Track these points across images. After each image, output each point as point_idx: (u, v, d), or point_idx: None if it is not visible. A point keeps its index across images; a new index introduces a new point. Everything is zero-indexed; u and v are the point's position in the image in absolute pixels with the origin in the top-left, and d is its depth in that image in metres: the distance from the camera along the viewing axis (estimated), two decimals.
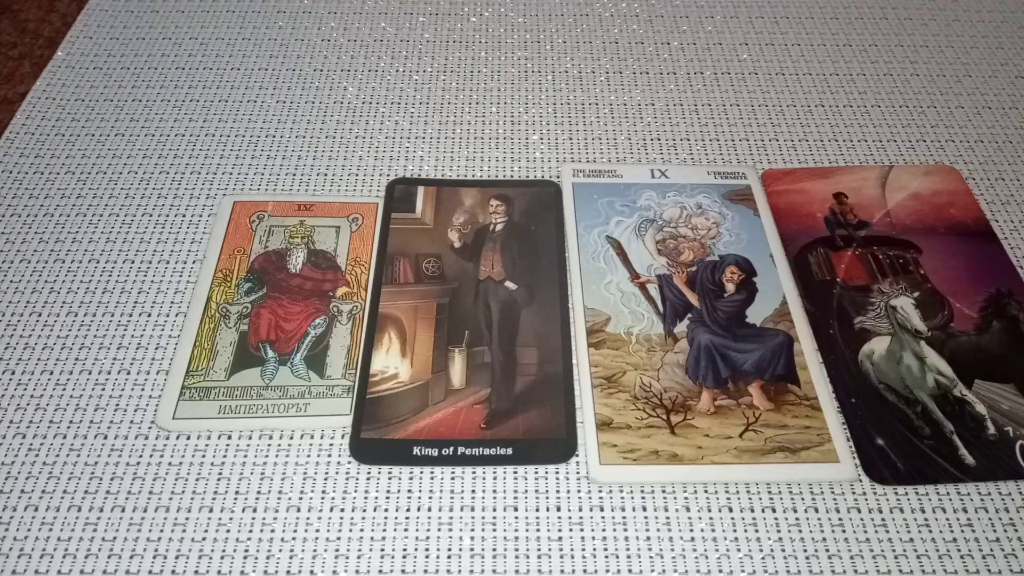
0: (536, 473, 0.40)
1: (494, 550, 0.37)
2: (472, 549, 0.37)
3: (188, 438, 0.41)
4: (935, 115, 0.58)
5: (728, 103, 0.59)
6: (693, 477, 0.39)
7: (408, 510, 0.39)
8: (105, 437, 0.41)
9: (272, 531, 0.38)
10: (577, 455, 0.40)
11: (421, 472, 0.40)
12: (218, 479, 0.39)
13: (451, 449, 0.40)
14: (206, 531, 0.38)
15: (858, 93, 0.60)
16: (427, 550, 0.37)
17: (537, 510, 0.39)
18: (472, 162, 0.54)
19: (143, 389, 0.42)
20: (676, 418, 0.41)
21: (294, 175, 0.53)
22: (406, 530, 0.38)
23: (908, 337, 0.45)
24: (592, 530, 0.38)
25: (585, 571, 0.37)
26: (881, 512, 0.39)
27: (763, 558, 0.37)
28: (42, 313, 0.45)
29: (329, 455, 0.40)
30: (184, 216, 0.51)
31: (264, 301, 0.46)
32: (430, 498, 0.39)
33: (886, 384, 0.43)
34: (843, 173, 0.54)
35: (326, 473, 0.40)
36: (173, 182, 0.52)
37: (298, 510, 0.38)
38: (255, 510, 0.38)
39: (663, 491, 0.39)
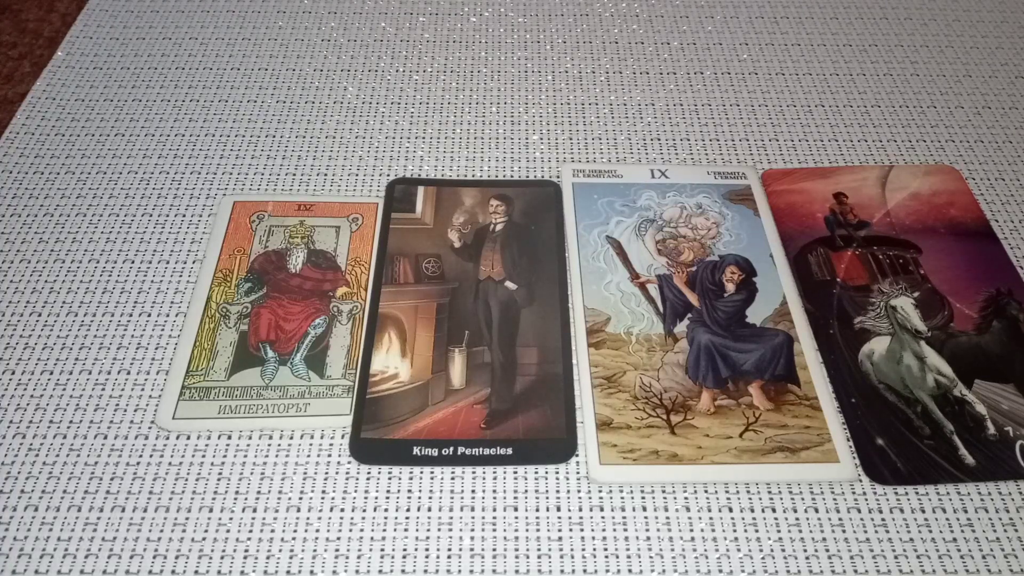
0: (536, 473, 0.40)
1: (494, 550, 0.37)
2: (472, 549, 0.37)
3: (188, 438, 0.41)
4: (935, 115, 0.58)
5: (728, 103, 0.59)
6: (693, 477, 0.39)
7: (408, 510, 0.39)
8: (105, 437, 0.41)
9: (272, 531, 0.38)
10: (577, 455, 0.40)
11: (421, 472, 0.40)
12: (218, 479, 0.39)
13: (451, 449, 0.40)
14: (206, 531, 0.38)
15: (858, 93, 0.60)
16: (427, 550, 0.37)
17: (537, 510, 0.39)
18: (472, 162, 0.54)
19: (143, 389, 0.42)
20: (676, 418, 0.41)
21: (294, 175, 0.53)
22: (406, 530, 0.38)
23: (908, 337, 0.45)
24: (592, 530, 0.38)
25: (585, 571, 0.37)
26: (881, 512, 0.39)
27: (763, 558, 0.37)
28: (42, 313, 0.45)
29: (329, 455, 0.40)
30: (184, 216, 0.51)
31: (264, 301, 0.46)
32: (430, 498, 0.39)
33: (886, 384, 0.43)
34: (843, 173, 0.54)
35: (326, 473, 0.40)
36: (173, 182, 0.52)
37: (298, 510, 0.38)
38: (255, 510, 0.38)
39: (663, 491, 0.39)
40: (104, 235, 0.49)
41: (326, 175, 0.53)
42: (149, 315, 0.46)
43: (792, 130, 0.57)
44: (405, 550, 0.37)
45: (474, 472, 0.40)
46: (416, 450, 0.40)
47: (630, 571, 0.37)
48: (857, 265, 0.48)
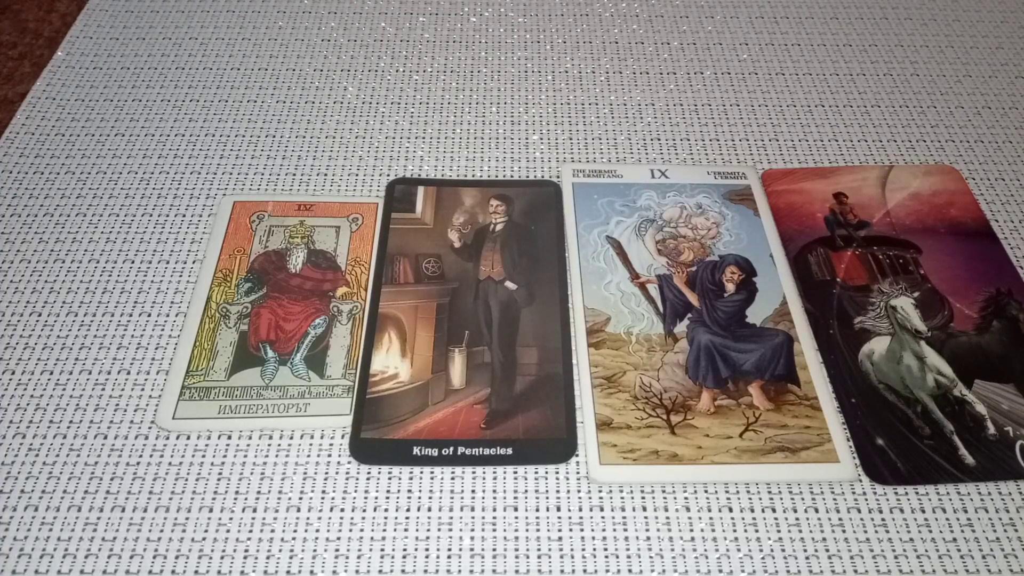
0: (536, 473, 0.40)
1: (494, 550, 0.37)
2: (472, 549, 0.37)
3: (188, 438, 0.41)
4: (935, 115, 0.58)
5: (728, 103, 0.59)
6: (693, 477, 0.39)
7: (408, 510, 0.39)
8: (105, 437, 0.41)
9: (272, 531, 0.38)
10: (577, 455, 0.40)
11: (421, 472, 0.40)
12: (218, 479, 0.39)
13: (451, 449, 0.40)
14: (206, 531, 0.38)
15: (858, 93, 0.60)
16: (427, 550, 0.37)
17: (537, 510, 0.39)
18: (472, 162, 0.54)
19: (143, 389, 0.42)
20: (676, 418, 0.41)
21: (294, 175, 0.53)
22: (406, 530, 0.38)
23: (908, 337, 0.45)
24: (592, 530, 0.38)
25: (585, 571, 0.37)
26: (881, 512, 0.39)
27: (763, 558, 0.37)
28: (42, 313, 0.45)
29: (329, 455, 0.40)
30: (184, 216, 0.51)
31: (264, 301, 0.46)
32: (430, 498, 0.39)
33: (886, 384, 0.43)
34: (843, 173, 0.54)
35: (326, 473, 0.40)
36: (173, 182, 0.52)
37: (298, 510, 0.38)
38: (255, 510, 0.38)
39: (663, 491, 0.39)
40: (104, 235, 0.49)
41: (326, 175, 0.53)
42: (149, 315, 0.46)
43: (792, 130, 0.57)
44: (405, 550, 0.37)
45: (474, 472, 0.40)
46: (416, 450, 0.40)
47: (630, 571, 0.37)
48: (857, 265, 0.48)
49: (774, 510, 0.39)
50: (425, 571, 0.37)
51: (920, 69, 0.62)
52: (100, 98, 0.58)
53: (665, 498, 0.39)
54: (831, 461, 0.40)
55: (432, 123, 0.57)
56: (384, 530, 0.38)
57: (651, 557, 0.37)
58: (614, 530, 0.38)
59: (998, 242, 0.50)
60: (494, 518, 0.38)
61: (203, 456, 0.40)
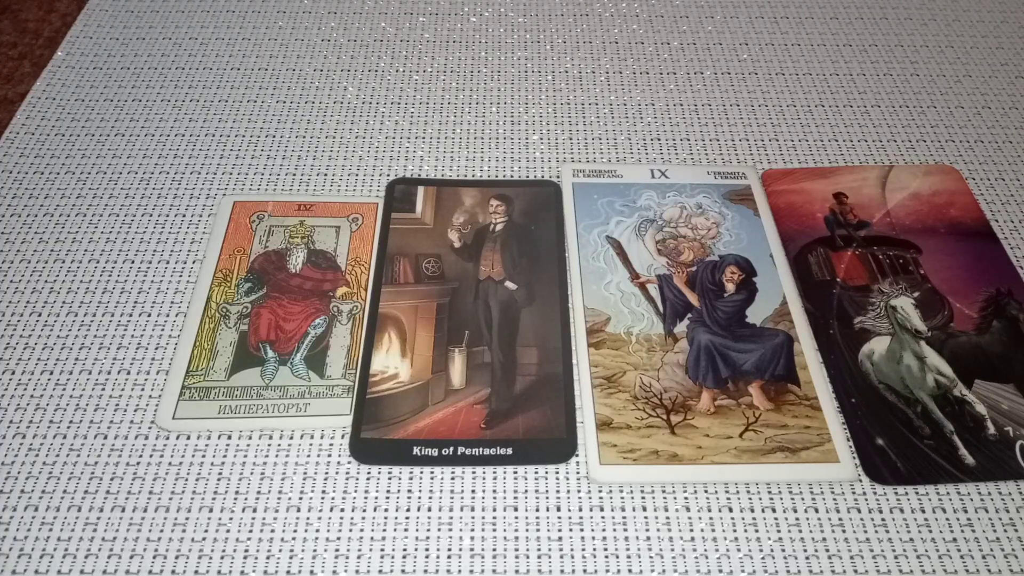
0: (536, 473, 0.40)
1: (494, 550, 0.37)
2: (472, 549, 0.37)
3: (188, 438, 0.41)
4: (935, 115, 0.58)
5: (728, 103, 0.59)
6: (693, 477, 0.39)
7: (408, 510, 0.39)
8: (105, 437, 0.41)
9: (272, 531, 0.38)
10: (577, 455, 0.40)
11: (421, 472, 0.40)
12: (218, 479, 0.39)
13: (451, 449, 0.40)
14: (206, 531, 0.38)
15: (858, 93, 0.60)
16: (427, 550, 0.37)
17: (537, 510, 0.39)
18: (472, 162, 0.54)
19: (143, 389, 0.42)
20: (676, 418, 0.41)
21: (294, 175, 0.53)
22: (406, 530, 0.38)
23: (908, 337, 0.45)
24: (592, 530, 0.38)
25: (585, 571, 0.37)
26: (881, 512, 0.39)
27: (763, 558, 0.37)
28: (42, 313, 0.45)
29: (329, 455, 0.40)
30: (184, 216, 0.51)
31: (264, 301, 0.46)
32: (430, 498, 0.39)
33: (886, 384, 0.43)
34: (843, 173, 0.54)
35: (326, 473, 0.40)
36: (173, 182, 0.52)
37: (298, 510, 0.38)
38: (255, 510, 0.38)
39: (663, 491, 0.39)
40: (104, 235, 0.49)
41: (326, 175, 0.53)
42: (149, 315, 0.46)
43: (792, 130, 0.57)
44: (405, 550, 0.37)
45: (474, 472, 0.40)
46: (416, 450, 0.40)
47: (630, 571, 0.37)
48: (857, 265, 0.48)
49: (774, 510, 0.39)
50: (425, 571, 0.37)
51: (920, 69, 0.62)
52: (100, 98, 0.58)
53: (665, 498, 0.39)
54: (831, 461, 0.40)
55: (432, 123, 0.57)
56: (384, 530, 0.38)
57: (651, 557, 0.37)
58: (614, 530, 0.38)
59: (998, 242, 0.50)
60: (494, 518, 0.38)
61: (203, 456, 0.40)
